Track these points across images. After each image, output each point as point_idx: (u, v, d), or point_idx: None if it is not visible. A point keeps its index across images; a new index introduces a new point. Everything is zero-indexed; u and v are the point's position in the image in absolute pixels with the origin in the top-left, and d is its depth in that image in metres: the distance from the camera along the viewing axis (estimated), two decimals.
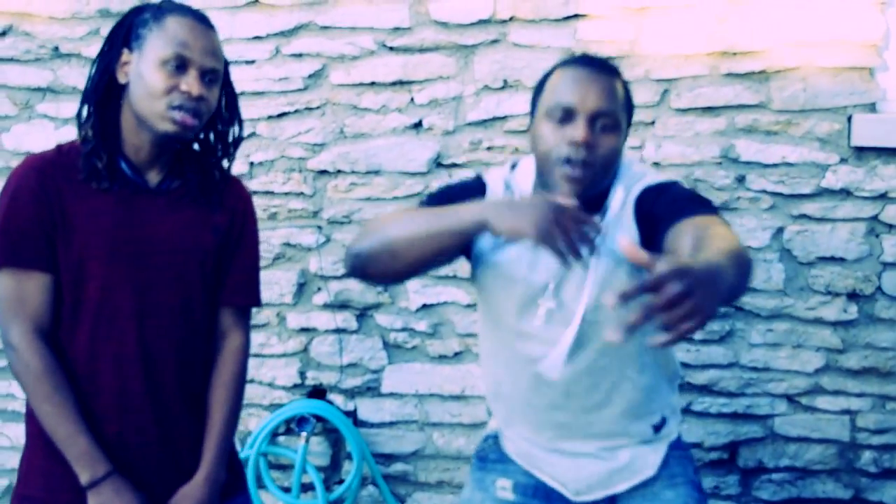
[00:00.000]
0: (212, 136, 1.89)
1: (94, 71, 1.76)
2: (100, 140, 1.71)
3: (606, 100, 1.65)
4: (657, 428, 1.92)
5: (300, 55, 2.88)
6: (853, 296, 2.63)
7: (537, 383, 1.80)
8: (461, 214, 1.52)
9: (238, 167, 2.77)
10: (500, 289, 1.78)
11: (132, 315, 1.74)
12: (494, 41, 2.75)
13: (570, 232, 1.38)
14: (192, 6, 1.85)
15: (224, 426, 1.88)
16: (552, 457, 1.89)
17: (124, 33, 1.73)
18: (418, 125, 2.85)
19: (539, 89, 1.77)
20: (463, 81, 2.81)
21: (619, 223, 1.72)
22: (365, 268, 1.69)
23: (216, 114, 1.85)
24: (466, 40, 2.77)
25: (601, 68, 1.72)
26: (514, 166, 1.90)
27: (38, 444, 1.79)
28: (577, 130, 1.61)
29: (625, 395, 1.86)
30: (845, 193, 2.60)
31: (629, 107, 1.76)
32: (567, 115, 1.63)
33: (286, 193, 2.93)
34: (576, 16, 2.70)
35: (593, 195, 1.71)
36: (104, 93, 1.73)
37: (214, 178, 1.89)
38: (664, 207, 1.65)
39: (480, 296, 1.88)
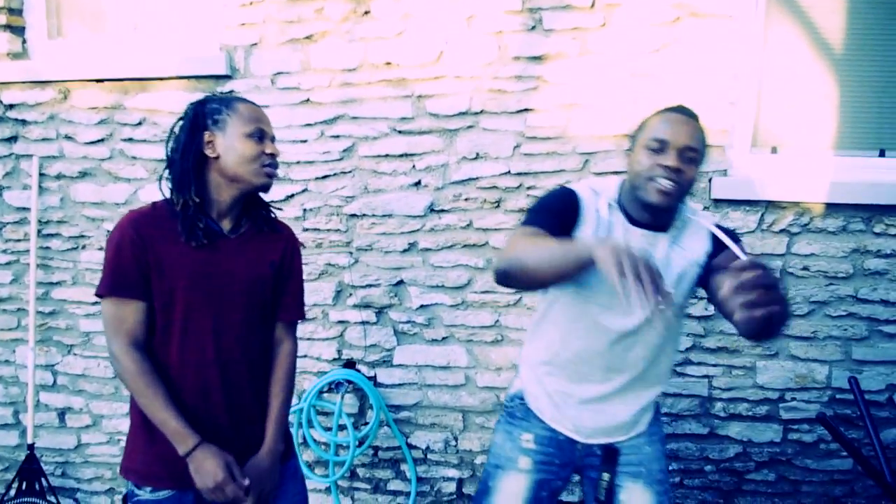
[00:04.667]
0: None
1: (180, 152, 1.79)
2: (198, 204, 1.80)
3: (692, 138, 1.70)
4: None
5: (338, 136, 3.12)
6: None
7: (610, 348, 1.86)
8: (577, 250, 1.47)
9: (294, 212, 3.11)
10: (596, 277, 1.75)
11: (210, 331, 1.82)
12: (470, 126, 3.00)
13: (642, 280, 1.31)
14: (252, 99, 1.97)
15: (280, 410, 1.96)
16: (581, 409, 1.94)
17: (201, 120, 1.80)
18: (418, 184, 3.07)
19: (640, 128, 1.80)
20: (448, 154, 3.03)
21: (697, 238, 1.82)
22: (508, 281, 1.67)
23: None
24: (451, 126, 3.01)
25: (690, 115, 1.76)
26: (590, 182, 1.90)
27: (137, 430, 1.87)
28: (669, 159, 1.67)
29: (660, 365, 1.95)
30: None
31: (705, 145, 1.79)
32: (661, 147, 1.69)
33: (328, 229, 3.17)
34: (526, 109, 2.95)
35: (669, 212, 1.79)
36: (195, 167, 1.80)
37: (272, 221, 1.98)
38: (729, 254, 1.65)
39: (572, 285, 1.83)
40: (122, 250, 1.76)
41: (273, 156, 1.83)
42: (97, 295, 1.80)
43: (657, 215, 1.80)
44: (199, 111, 1.83)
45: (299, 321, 2.13)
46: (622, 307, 1.77)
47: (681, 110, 1.78)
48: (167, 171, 1.87)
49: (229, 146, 1.79)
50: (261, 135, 1.81)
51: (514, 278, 1.64)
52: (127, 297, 1.77)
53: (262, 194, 1.94)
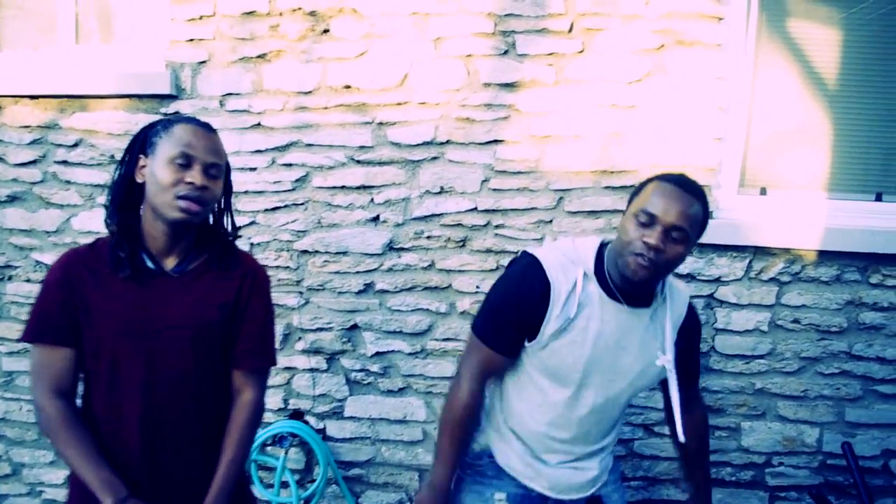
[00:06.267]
0: (226, 219, 1.83)
1: (115, 177, 1.71)
2: (122, 234, 1.67)
3: (683, 218, 1.63)
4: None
5: (290, 165, 2.92)
6: None
7: (579, 422, 1.86)
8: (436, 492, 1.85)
9: (242, 246, 2.81)
10: (567, 352, 1.76)
11: (139, 384, 1.67)
12: (434, 158, 2.83)
13: None
14: (196, 117, 1.77)
15: (227, 470, 1.77)
16: (554, 470, 1.92)
17: (140, 143, 1.69)
18: (376, 219, 2.89)
19: (637, 191, 1.74)
20: (410, 187, 2.86)
21: (669, 325, 1.83)
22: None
23: (224, 201, 1.82)
24: (414, 156, 2.84)
25: (688, 190, 1.67)
26: (556, 245, 1.86)
27: (74, 493, 1.75)
28: (653, 237, 1.63)
29: (617, 421, 1.97)
30: (690, 277, 2.74)
31: (703, 225, 1.71)
32: (649, 221, 1.64)
33: (277, 266, 2.97)
34: (496, 140, 2.78)
35: (649, 288, 1.77)
36: (125, 195, 1.69)
37: (229, 253, 1.81)
38: (692, 348, 1.94)
39: (540, 356, 1.80)
40: (49, 293, 1.68)
41: (193, 185, 1.62)
42: (23, 340, 1.70)
43: (637, 287, 1.74)
44: (142, 135, 1.71)
45: (271, 367, 1.91)
46: (597, 385, 1.85)
47: (680, 183, 1.69)
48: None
49: (151, 173, 1.64)
50: (186, 161, 1.63)
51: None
52: (52, 343, 1.67)
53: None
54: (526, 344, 1.80)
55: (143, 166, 1.67)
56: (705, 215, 1.70)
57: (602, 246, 1.82)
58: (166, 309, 1.69)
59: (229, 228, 1.85)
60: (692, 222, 1.65)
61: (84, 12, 3.17)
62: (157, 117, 2.77)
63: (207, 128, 1.69)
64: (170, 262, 1.72)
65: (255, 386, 1.84)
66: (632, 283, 1.70)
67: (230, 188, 1.83)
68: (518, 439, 1.92)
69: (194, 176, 1.63)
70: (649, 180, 1.73)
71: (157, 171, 1.62)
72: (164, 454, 1.71)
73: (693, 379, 2.00)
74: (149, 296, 1.68)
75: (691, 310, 1.91)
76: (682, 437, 1.89)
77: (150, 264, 1.70)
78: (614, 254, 1.74)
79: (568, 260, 1.78)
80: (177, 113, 2.96)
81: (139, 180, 1.67)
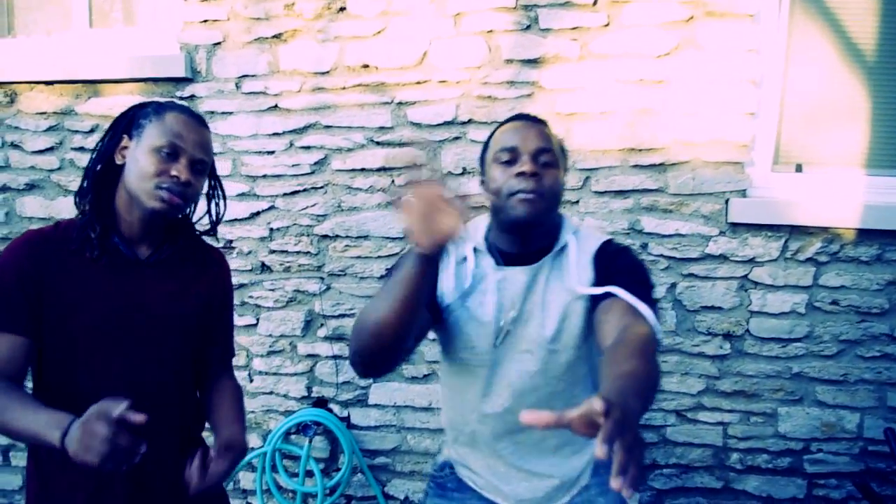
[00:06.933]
0: (212, 209, 1.77)
1: (95, 153, 1.63)
2: (94, 213, 1.58)
3: (544, 140, 1.57)
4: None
5: (308, 147, 2.87)
6: (727, 336, 2.70)
7: (503, 414, 1.67)
8: (403, 263, 1.32)
9: (260, 232, 2.85)
10: (472, 332, 1.62)
11: (119, 376, 1.58)
12: (456, 138, 2.76)
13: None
14: (190, 107, 1.67)
15: (236, 417, 1.68)
16: (511, 477, 1.76)
17: (126, 122, 1.62)
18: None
19: (485, 147, 1.67)
20: (432, 169, 2.86)
21: (577, 265, 1.60)
22: (367, 364, 1.44)
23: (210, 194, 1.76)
24: (435, 137, 2.78)
25: (535, 120, 1.64)
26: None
27: (31, 483, 1.63)
28: (524, 165, 1.53)
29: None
30: (723, 258, 2.66)
31: (563, 151, 1.66)
32: (513, 157, 1.55)
33: (297, 252, 2.93)
34: None
35: (545, 233, 1.62)
36: (103, 172, 1.61)
37: (201, 246, 1.77)
38: (616, 272, 1.52)
39: (452, 352, 1.68)
40: (4, 274, 1.52)
41: (177, 179, 1.54)
42: None
43: (530, 239, 1.61)
44: (130, 113, 1.62)
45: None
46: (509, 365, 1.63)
47: (523, 117, 1.66)
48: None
49: (134, 157, 1.56)
50: (173, 152, 1.54)
51: (370, 350, 1.39)
52: (4, 330, 1.51)
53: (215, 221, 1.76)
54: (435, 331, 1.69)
55: (126, 147, 1.58)
56: (560, 141, 1.66)
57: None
58: (144, 297, 1.61)
59: (211, 223, 1.79)
60: (553, 144, 1.59)
61: None
62: (173, 100, 2.69)
63: (200, 121, 1.61)
64: (144, 251, 1.64)
65: (230, 372, 1.84)
66: (524, 232, 1.58)
67: (218, 187, 1.77)
68: (463, 445, 1.79)
69: (180, 170, 1.55)
70: (491, 134, 1.66)
71: (141, 157, 1.54)
72: (147, 452, 1.49)
73: (627, 288, 1.50)
74: (125, 284, 1.60)
75: (607, 243, 1.64)
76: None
77: (123, 250, 1.61)
78: (493, 217, 1.64)
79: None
80: (192, 97, 2.93)
81: (118, 161, 1.59)
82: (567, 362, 1.62)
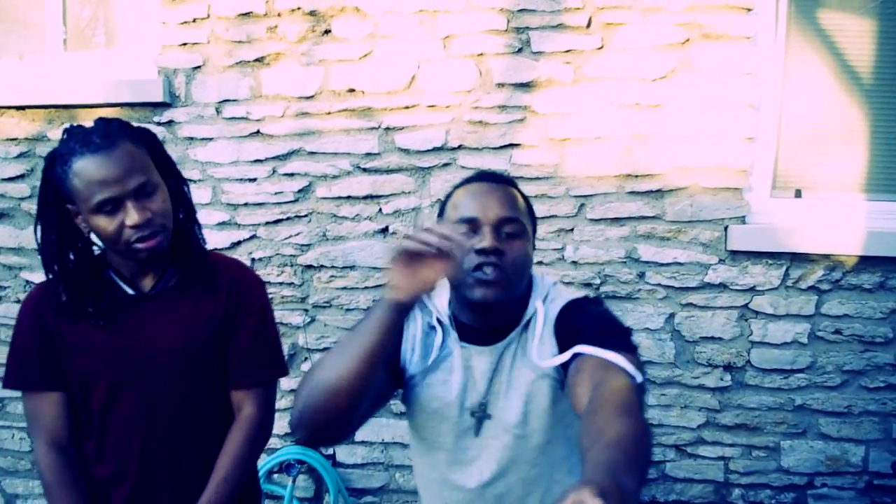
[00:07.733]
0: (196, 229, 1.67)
1: (46, 236, 1.52)
2: (80, 288, 1.54)
3: (508, 208, 1.43)
4: None
5: (292, 174, 2.81)
6: (728, 367, 2.66)
7: (478, 489, 1.52)
8: (370, 314, 1.24)
9: (242, 261, 2.80)
10: (435, 411, 1.50)
11: (135, 418, 1.57)
12: (446, 164, 2.72)
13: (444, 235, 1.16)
14: (95, 131, 1.45)
15: (222, 484, 1.60)
16: None
17: (53, 190, 1.50)
18: (385, 230, 2.79)
19: (442, 207, 1.53)
20: (421, 196, 2.75)
21: (540, 338, 1.46)
22: (314, 427, 1.29)
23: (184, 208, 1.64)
24: (423, 163, 2.73)
25: (498, 181, 1.50)
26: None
27: None
28: (484, 240, 1.38)
29: (552, 492, 1.56)
30: (723, 287, 2.62)
31: (531, 214, 1.52)
32: (473, 228, 1.41)
33: (280, 283, 2.86)
34: (511, 145, 2.67)
35: (512, 308, 1.47)
36: (62, 244, 1.53)
37: (208, 262, 1.68)
38: (578, 329, 1.38)
39: (416, 425, 1.56)
40: (21, 336, 1.59)
41: (135, 226, 1.44)
42: (5, 387, 1.61)
43: (494, 315, 1.45)
44: (48, 179, 1.50)
45: (275, 378, 1.75)
46: (467, 459, 1.49)
47: (483, 177, 1.50)
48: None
49: (88, 225, 1.48)
50: (112, 204, 1.43)
51: (321, 410, 1.25)
52: (36, 389, 1.57)
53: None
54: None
55: (78, 214, 1.48)
56: (527, 201, 1.50)
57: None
58: (152, 333, 1.57)
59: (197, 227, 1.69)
60: (519, 212, 1.44)
61: (73, 18, 3.04)
62: (150, 126, 2.59)
63: (108, 146, 1.42)
64: (147, 282, 1.59)
65: (255, 400, 1.67)
66: (485, 311, 1.44)
67: (183, 190, 1.62)
68: None
69: (131, 216, 1.43)
70: (448, 196, 1.52)
71: (93, 223, 1.45)
72: (162, 489, 1.60)
73: (597, 343, 1.33)
74: (130, 323, 1.56)
75: (569, 305, 1.48)
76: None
77: (127, 289, 1.57)
78: (452, 291, 1.49)
79: (421, 306, 1.54)
80: (171, 122, 2.84)
81: (86, 232, 1.51)
82: (538, 446, 1.48)
